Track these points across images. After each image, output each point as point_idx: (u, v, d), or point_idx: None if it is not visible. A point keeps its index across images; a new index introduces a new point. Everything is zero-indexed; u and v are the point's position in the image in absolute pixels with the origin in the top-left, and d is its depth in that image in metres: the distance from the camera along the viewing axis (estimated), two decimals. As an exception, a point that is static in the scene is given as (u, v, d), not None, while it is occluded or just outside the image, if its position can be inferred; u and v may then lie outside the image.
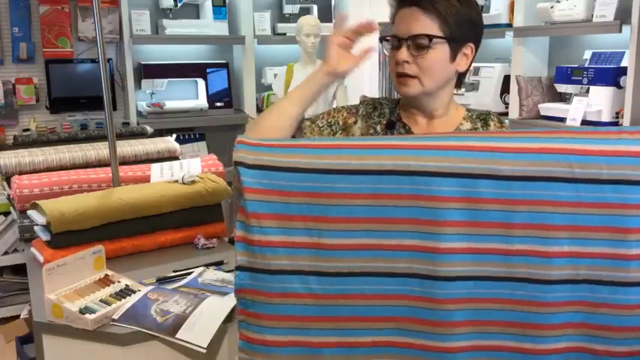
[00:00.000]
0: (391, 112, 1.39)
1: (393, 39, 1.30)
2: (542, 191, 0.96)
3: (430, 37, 1.24)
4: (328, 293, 1.03)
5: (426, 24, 1.25)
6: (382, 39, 1.34)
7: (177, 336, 1.29)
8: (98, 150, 2.21)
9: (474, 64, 3.63)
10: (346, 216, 1.00)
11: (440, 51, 1.27)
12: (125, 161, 2.22)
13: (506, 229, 0.97)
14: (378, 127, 1.36)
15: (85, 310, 1.33)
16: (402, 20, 1.28)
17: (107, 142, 1.99)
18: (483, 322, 1.02)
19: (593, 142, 0.97)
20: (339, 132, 1.38)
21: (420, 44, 1.25)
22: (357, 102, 1.48)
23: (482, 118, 1.38)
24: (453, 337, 1.02)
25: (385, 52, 1.34)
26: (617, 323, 0.99)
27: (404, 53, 1.27)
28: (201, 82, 3.91)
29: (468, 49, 1.31)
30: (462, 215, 0.97)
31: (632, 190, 0.95)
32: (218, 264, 1.68)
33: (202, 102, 3.85)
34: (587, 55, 2.85)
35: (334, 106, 3.35)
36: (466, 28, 1.28)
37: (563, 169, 0.96)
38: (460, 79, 1.37)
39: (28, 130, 3.46)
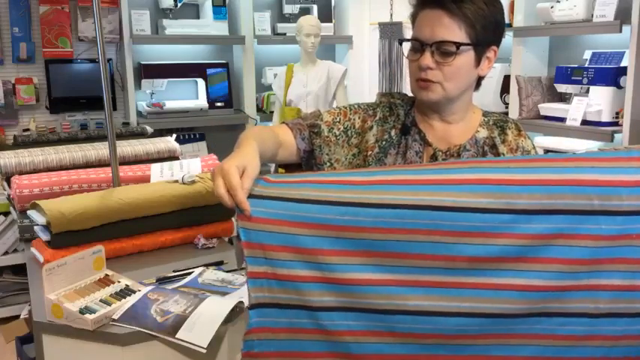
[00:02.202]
0: (406, 115, 1.33)
1: (415, 42, 1.23)
2: (561, 224, 0.93)
3: (458, 45, 1.18)
4: (338, 329, 1.00)
5: (452, 29, 1.18)
6: (402, 41, 1.28)
7: (177, 336, 1.29)
8: (98, 150, 2.21)
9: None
10: (358, 249, 0.98)
11: (466, 57, 1.21)
12: (125, 161, 2.22)
13: (526, 264, 0.95)
14: (393, 132, 1.31)
15: (85, 310, 1.33)
16: (426, 23, 1.21)
17: (107, 142, 1.99)
18: (498, 357, 0.99)
19: (614, 171, 0.94)
20: (354, 136, 1.33)
21: (446, 51, 1.19)
22: (360, 101, 1.44)
23: (499, 125, 1.32)
24: None
25: (404, 54, 1.28)
26: (634, 354, 0.96)
27: (428, 59, 1.20)
28: (201, 82, 3.91)
29: (491, 53, 1.26)
30: (479, 251, 0.95)
31: None
32: (218, 264, 1.68)
33: (202, 102, 3.85)
34: (587, 55, 2.85)
35: (334, 106, 3.35)
36: (491, 32, 1.23)
37: (582, 202, 0.93)
38: (479, 82, 1.32)
39: (28, 130, 3.46)
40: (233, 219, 1.91)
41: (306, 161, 1.36)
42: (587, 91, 2.71)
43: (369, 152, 1.32)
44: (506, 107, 3.18)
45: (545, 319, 0.96)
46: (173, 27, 3.71)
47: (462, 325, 0.97)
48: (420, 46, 1.22)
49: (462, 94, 1.28)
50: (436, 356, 1.00)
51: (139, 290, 1.45)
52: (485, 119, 1.33)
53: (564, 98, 2.97)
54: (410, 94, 1.36)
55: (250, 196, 1.00)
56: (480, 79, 1.31)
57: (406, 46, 1.28)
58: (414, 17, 1.27)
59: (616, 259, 0.94)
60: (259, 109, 4.08)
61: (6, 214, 3.14)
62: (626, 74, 2.50)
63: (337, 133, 1.34)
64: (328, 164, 1.35)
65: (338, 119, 1.35)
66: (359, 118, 1.34)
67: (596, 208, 0.93)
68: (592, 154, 1.00)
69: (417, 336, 0.99)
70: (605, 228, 0.93)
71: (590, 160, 0.97)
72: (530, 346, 0.98)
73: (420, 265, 0.97)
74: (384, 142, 1.31)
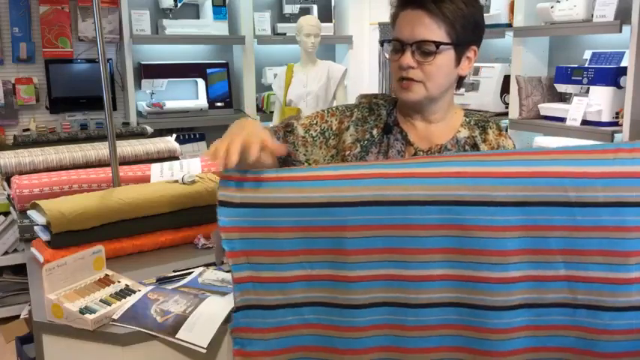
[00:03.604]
0: (388, 115, 1.34)
1: (396, 43, 1.24)
2: (536, 216, 0.94)
3: (437, 44, 1.20)
4: (322, 323, 1.02)
5: (432, 29, 1.20)
6: (383, 42, 1.29)
7: (177, 336, 1.29)
8: (98, 150, 2.21)
9: (473, 64, 3.59)
10: (337, 248, 0.99)
11: (446, 56, 1.23)
12: (125, 161, 2.22)
13: (501, 256, 0.95)
14: (375, 132, 1.32)
15: (85, 310, 1.33)
16: (406, 23, 1.23)
17: (107, 142, 2.00)
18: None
19: (589, 163, 0.95)
20: (332, 138, 1.34)
21: (426, 50, 1.21)
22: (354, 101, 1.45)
23: (480, 125, 1.33)
24: None
25: (386, 55, 1.29)
26: (615, 349, 0.97)
27: (409, 58, 1.22)
28: (201, 82, 3.91)
29: (471, 53, 1.28)
30: (453, 243, 0.96)
31: (629, 212, 0.93)
32: (218, 264, 1.68)
33: (202, 102, 3.85)
34: (587, 55, 2.85)
35: (334, 105, 3.34)
36: (471, 32, 1.25)
37: (558, 194, 0.93)
38: (460, 81, 1.33)
39: (28, 130, 3.46)
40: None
41: (284, 162, 1.36)
42: (587, 91, 2.71)
43: (347, 152, 1.32)
44: (506, 107, 3.18)
45: (525, 311, 0.97)
46: (173, 27, 3.71)
47: (443, 314, 0.99)
48: (400, 46, 1.24)
49: (443, 94, 1.29)
50: (418, 349, 1.01)
51: (139, 290, 1.45)
52: (467, 119, 1.34)
53: (564, 98, 2.97)
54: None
55: (228, 204, 1.01)
56: (461, 80, 1.33)
57: (388, 48, 1.29)
58: (394, 18, 1.28)
59: (593, 251, 0.94)
60: (259, 109, 4.08)
61: (6, 214, 3.14)
62: (626, 74, 2.50)
63: (314, 134, 1.34)
64: (306, 165, 1.36)
65: (315, 122, 1.36)
66: (336, 119, 1.35)
67: (572, 200, 0.94)
68: (567, 147, 1.01)
69: (399, 328, 1.00)
70: (581, 219, 0.94)
71: (565, 152, 0.98)
72: (512, 340, 0.98)
73: (397, 259, 0.98)
74: (365, 142, 1.32)
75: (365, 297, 1.00)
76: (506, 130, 3.11)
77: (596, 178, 0.94)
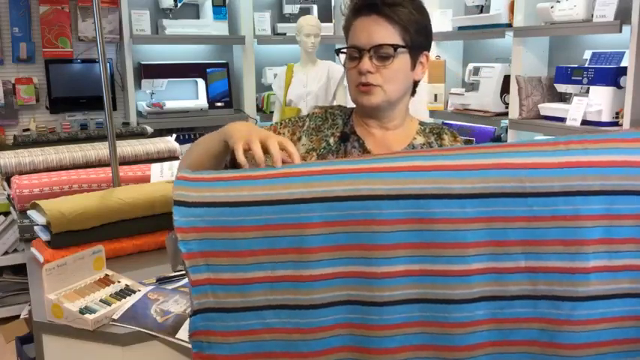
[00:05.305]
0: (345, 124, 1.35)
1: (352, 50, 1.26)
2: (494, 207, 0.94)
3: (395, 47, 1.23)
4: (286, 327, 0.99)
5: (388, 32, 1.23)
6: (339, 51, 1.30)
7: (177, 336, 1.29)
8: (98, 150, 2.21)
9: (474, 64, 3.59)
10: (298, 247, 0.96)
11: (402, 60, 1.26)
12: (125, 161, 2.22)
13: (462, 249, 0.95)
14: (331, 140, 1.33)
15: (85, 310, 1.33)
16: (361, 29, 1.25)
17: (107, 142, 2.00)
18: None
19: (543, 154, 0.96)
20: None
21: (384, 54, 1.23)
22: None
23: (435, 132, 1.36)
24: None
25: (341, 63, 1.31)
26: (578, 340, 0.97)
27: (367, 63, 1.24)
28: (201, 82, 3.91)
29: (423, 58, 1.31)
30: (414, 237, 0.95)
31: (585, 201, 0.93)
32: (218, 264, 1.68)
33: (202, 102, 3.86)
34: (587, 55, 2.85)
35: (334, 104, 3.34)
36: (424, 37, 1.28)
37: (514, 185, 0.94)
38: (414, 87, 1.36)
39: (28, 130, 3.46)
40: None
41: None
42: (587, 91, 2.71)
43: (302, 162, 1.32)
44: (506, 107, 3.18)
45: (486, 303, 0.97)
46: (173, 27, 3.72)
47: (407, 312, 0.98)
48: (357, 52, 1.25)
49: (400, 99, 1.31)
50: (383, 349, 1.00)
51: (139, 290, 1.45)
52: (422, 127, 1.37)
53: (564, 98, 2.97)
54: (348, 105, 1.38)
55: (184, 204, 0.98)
56: (415, 85, 1.35)
57: (342, 57, 1.30)
58: (347, 28, 1.30)
59: (550, 241, 0.95)
60: (259, 109, 4.08)
61: (6, 214, 3.14)
62: (626, 74, 2.50)
63: None
64: None
65: None
66: (288, 131, 1.36)
67: (527, 190, 0.94)
68: (521, 141, 1.02)
69: (363, 327, 0.99)
70: (537, 209, 0.94)
71: (519, 145, 1.00)
72: (475, 334, 0.98)
73: (358, 255, 0.97)
74: (322, 150, 1.33)
75: (328, 295, 0.98)
76: (507, 131, 3.12)
77: (551, 168, 0.95)
